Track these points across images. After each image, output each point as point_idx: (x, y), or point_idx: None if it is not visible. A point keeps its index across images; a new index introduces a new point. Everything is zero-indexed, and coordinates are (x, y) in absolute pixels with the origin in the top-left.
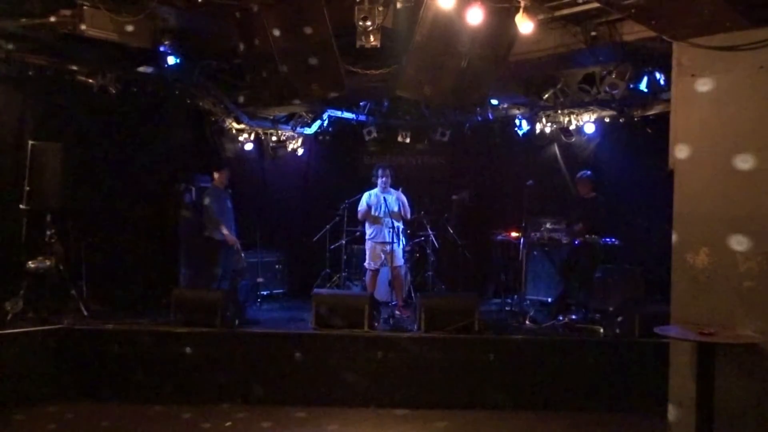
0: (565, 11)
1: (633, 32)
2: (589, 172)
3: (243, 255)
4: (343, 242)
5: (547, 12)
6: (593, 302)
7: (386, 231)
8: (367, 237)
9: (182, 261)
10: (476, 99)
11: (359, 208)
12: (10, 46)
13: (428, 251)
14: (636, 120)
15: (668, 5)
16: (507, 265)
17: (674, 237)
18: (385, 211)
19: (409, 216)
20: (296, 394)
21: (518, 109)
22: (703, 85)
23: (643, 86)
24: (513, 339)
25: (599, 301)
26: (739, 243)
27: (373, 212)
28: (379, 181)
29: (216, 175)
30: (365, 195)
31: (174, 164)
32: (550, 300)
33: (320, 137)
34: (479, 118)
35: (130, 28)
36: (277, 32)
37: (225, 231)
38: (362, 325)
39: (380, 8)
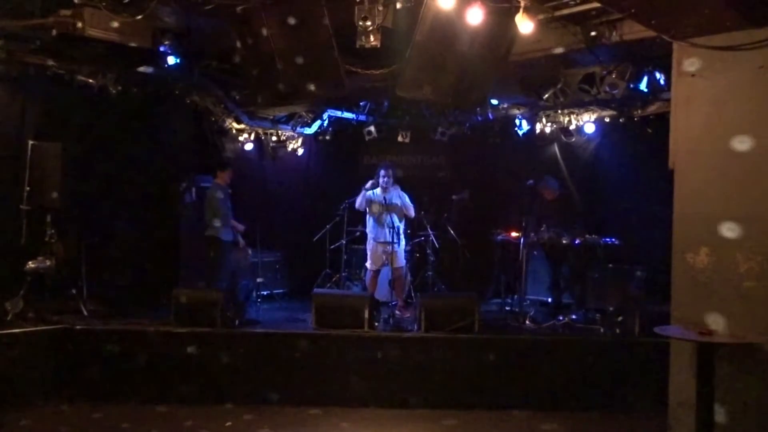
0: (565, 11)
1: (633, 32)
2: (552, 180)
3: (250, 251)
4: (343, 242)
5: (547, 12)
6: (593, 302)
7: (387, 231)
8: (368, 237)
9: (182, 261)
10: (476, 99)
11: (358, 198)
12: (10, 46)
13: (428, 251)
14: (636, 120)
15: (668, 5)
16: (507, 265)
17: (674, 237)
18: (386, 209)
19: (412, 213)
20: (296, 394)
21: (518, 109)
22: (703, 85)
23: (643, 86)
24: (513, 339)
25: (599, 301)
26: (739, 243)
27: (374, 210)
28: (381, 180)
29: (219, 174)
30: (368, 192)
31: (174, 164)
32: (550, 300)
33: (320, 137)
34: (479, 118)
35: (130, 28)
36: (277, 32)
37: (238, 226)
38: (362, 325)
39: (380, 8)
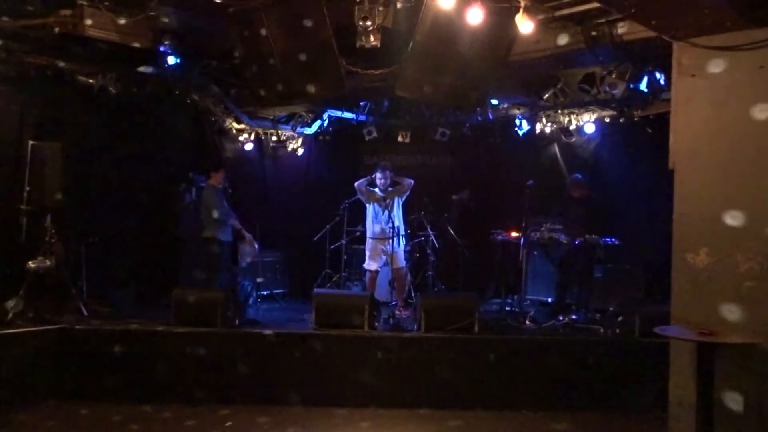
0: (565, 11)
1: (633, 32)
2: (580, 176)
3: (256, 245)
4: (343, 242)
5: (547, 12)
6: (593, 302)
7: (387, 229)
8: (367, 236)
9: (182, 261)
10: (476, 99)
11: (362, 180)
12: (10, 46)
13: (428, 251)
14: (636, 120)
15: (668, 5)
16: (507, 265)
17: (674, 237)
18: (386, 209)
19: (410, 180)
20: (296, 394)
21: (518, 109)
22: (703, 85)
23: (643, 86)
24: (513, 339)
25: (599, 301)
26: (738, 243)
27: (373, 198)
28: (378, 182)
29: (213, 175)
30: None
31: (174, 164)
32: (550, 300)
33: (320, 137)
34: (479, 118)
35: (130, 28)
36: (277, 32)
37: (237, 223)
38: (362, 325)
39: (380, 8)
